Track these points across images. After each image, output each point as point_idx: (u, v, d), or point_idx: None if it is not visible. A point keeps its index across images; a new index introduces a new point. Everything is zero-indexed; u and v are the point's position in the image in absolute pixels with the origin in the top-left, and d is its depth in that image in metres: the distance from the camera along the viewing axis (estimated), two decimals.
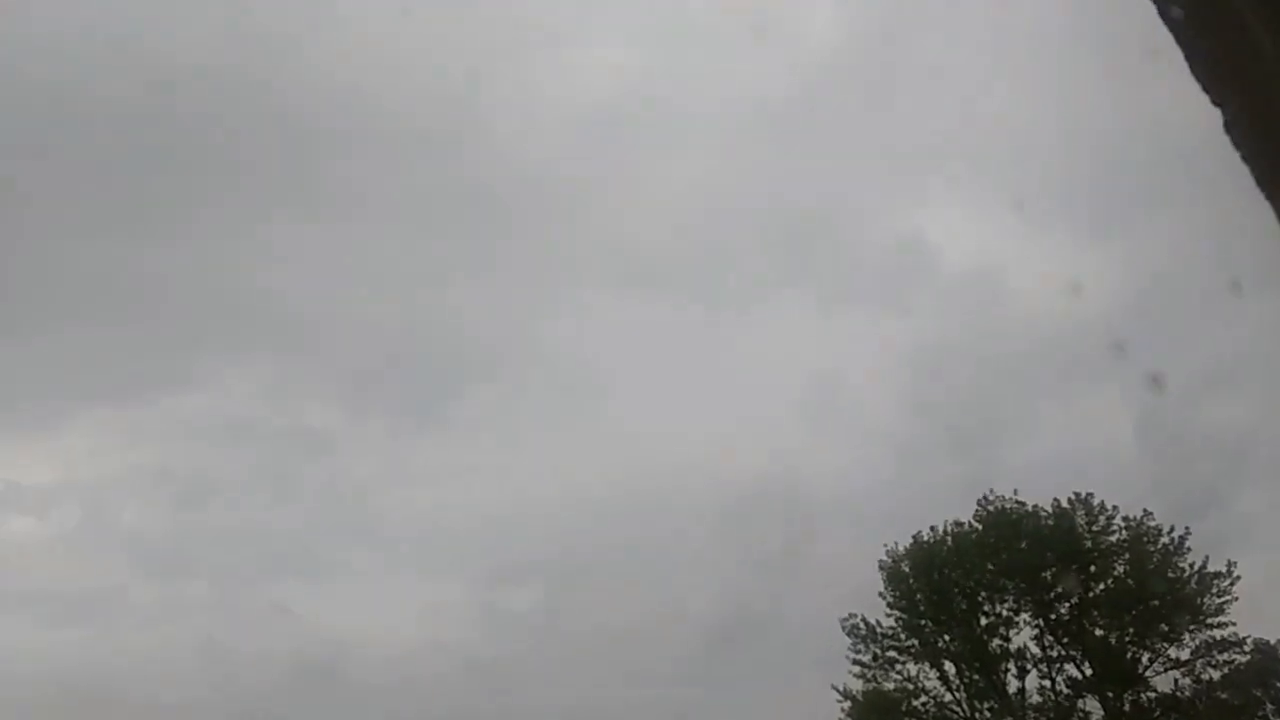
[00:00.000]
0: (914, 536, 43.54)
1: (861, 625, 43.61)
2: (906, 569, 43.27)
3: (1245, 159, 1.47)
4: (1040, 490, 44.17)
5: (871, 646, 43.42)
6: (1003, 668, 43.05)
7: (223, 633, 71.91)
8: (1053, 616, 42.79)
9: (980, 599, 43.22)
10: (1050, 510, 42.69)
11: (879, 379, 79.42)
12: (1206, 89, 1.49)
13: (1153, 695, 42.06)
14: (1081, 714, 42.56)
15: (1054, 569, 42.19)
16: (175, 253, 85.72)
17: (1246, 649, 40.45)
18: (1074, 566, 42.20)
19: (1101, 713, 42.24)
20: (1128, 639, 42.12)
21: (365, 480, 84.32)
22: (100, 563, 77.89)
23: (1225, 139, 1.53)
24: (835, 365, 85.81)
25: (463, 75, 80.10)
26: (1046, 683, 42.96)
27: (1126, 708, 41.87)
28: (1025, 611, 43.10)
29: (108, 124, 69.21)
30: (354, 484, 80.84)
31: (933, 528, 43.67)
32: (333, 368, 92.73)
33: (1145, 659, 42.16)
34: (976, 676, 43.23)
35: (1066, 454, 58.56)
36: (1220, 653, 40.79)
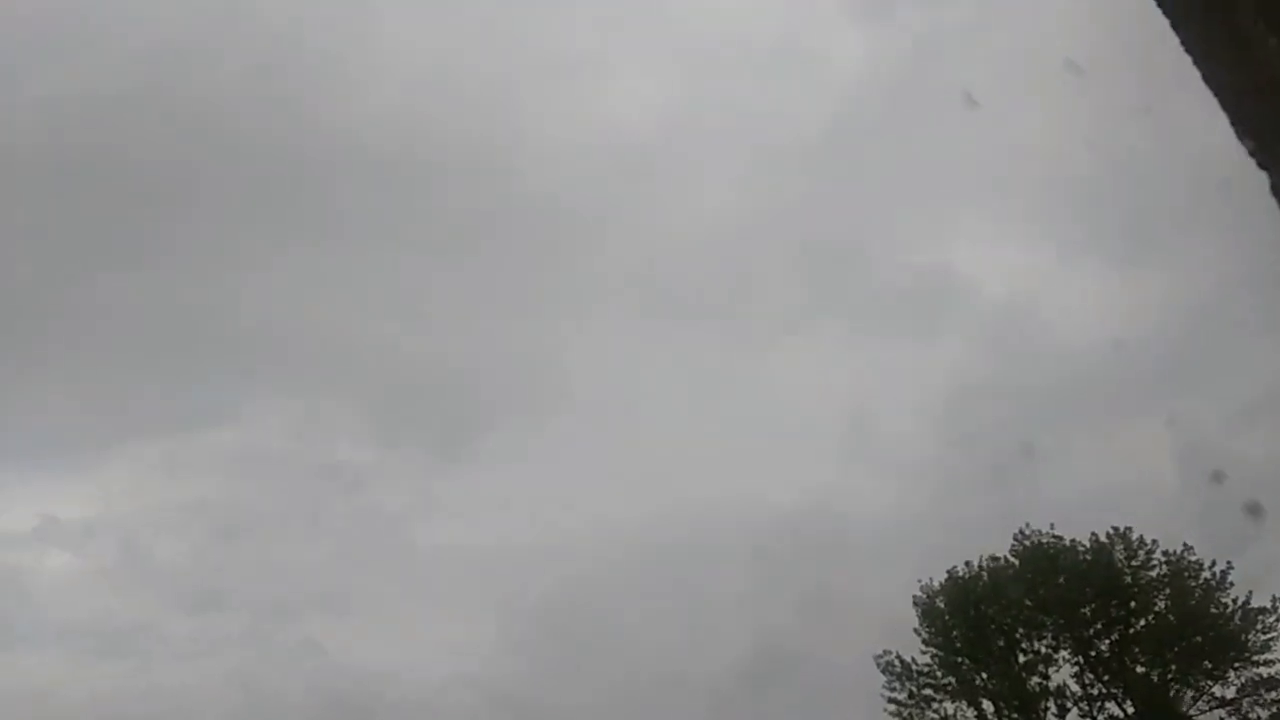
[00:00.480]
0: (949, 572, 43.00)
1: (896, 662, 42.99)
2: (942, 605, 42.69)
3: None
4: (1079, 524, 43.45)
5: (907, 684, 42.77)
6: (1042, 706, 42.21)
7: (256, 668, 72.18)
8: (1093, 653, 42.00)
9: (1018, 636, 42.52)
10: (1088, 545, 42.03)
11: (913, 411, 78.77)
12: (1252, 153, 1.50)
13: None
14: None
15: (1093, 605, 41.52)
16: (208, 288, 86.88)
17: None
18: (1114, 602, 41.54)
19: None
20: (1170, 676, 41.25)
21: (396, 514, 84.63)
22: (136, 597, 78.57)
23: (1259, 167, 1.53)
24: (868, 398, 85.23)
25: (492, 105, 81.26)
26: None
27: None
28: (1064, 648, 42.33)
29: (135, 160, 70.77)
30: (385, 518, 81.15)
31: (968, 563, 43.11)
32: (363, 402, 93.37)
33: (1189, 697, 41.23)
34: (1016, 715, 42.41)
35: (1105, 487, 57.70)
36: (1268, 691, 39.80)
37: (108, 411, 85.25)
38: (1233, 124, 1.47)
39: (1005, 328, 74.99)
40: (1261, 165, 1.47)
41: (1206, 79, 1.50)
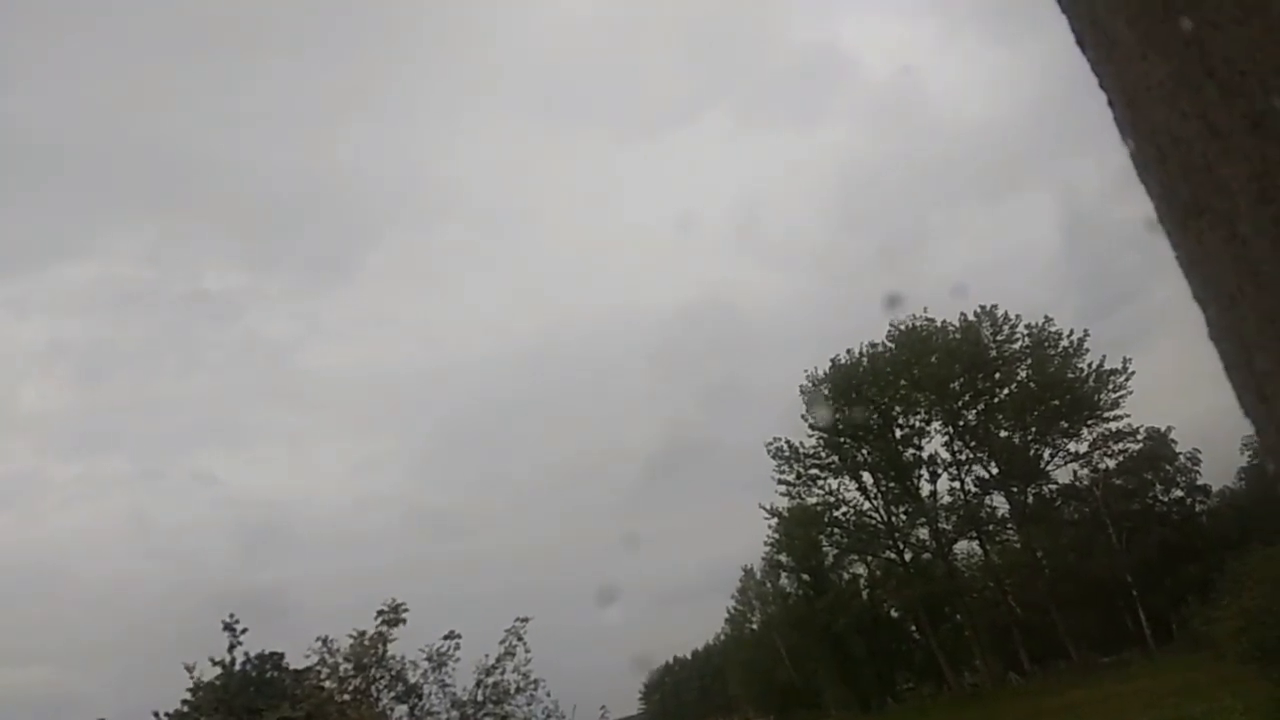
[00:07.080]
0: (832, 360, 45.08)
1: (785, 447, 45.55)
2: (826, 392, 44.92)
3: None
4: (975, 296, 45.64)
5: (795, 466, 45.51)
6: (916, 474, 45.63)
7: (150, 505, 71.71)
8: (961, 423, 45.16)
9: (895, 413, 45.30)
10: (958, 325, 44.40)
11: (802, 198, 79.67)
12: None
13: (1054, 487, 45.26)
14: (989, 509, 45.68)
15: (962, 379, 44.26)
16: (38, 101, 79.25)
17: (1139, 437, 43.39)
18: (980, 375, 44.32)
19: (1007, 506, 45.39)
20: (1030, 438, 44.82)
21: (277, 341, 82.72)
22: (7, 447, 75.91)
23: None
24: (758, 186, 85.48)
25: None
26: (956, 484, 45.83)
27: (1030, 500, 45.00)
28: (936, 420, 45.40)
29: None
30: (266, 345, 79.40)
31: (849, 350, 45.19)
32: (226, 223, 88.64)
33: (1047, 455, 45.06)
34: (892, 484, 45.80)
35: (993, 258, 60.38)
36: (1115, 443, 43.74)
37: None
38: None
39: (890, 106, 75.27)
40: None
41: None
